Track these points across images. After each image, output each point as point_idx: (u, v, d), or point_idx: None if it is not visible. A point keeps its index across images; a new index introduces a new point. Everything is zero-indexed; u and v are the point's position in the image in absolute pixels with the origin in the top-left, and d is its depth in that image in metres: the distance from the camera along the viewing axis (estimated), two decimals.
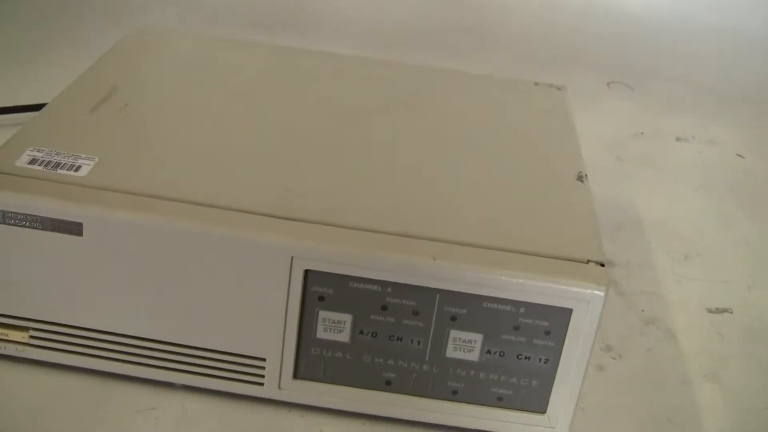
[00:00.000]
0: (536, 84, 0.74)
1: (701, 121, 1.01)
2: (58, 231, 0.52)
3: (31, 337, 0.55)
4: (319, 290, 0.52)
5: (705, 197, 0.86)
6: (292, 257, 0.50)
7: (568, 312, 0.51)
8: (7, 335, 0.55)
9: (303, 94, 0.66)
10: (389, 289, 0.51)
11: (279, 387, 0.54)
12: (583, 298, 0.50)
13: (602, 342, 0.64)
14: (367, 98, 0.67)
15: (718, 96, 1.08)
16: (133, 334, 0.54)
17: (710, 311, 0.70)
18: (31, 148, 0.55)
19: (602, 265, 0.51)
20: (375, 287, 0.51)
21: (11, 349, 0.55)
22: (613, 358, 0.63)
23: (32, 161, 0.54)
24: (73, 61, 0.75)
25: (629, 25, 1.22)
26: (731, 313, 0.70)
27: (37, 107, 0.71)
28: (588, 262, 0.51)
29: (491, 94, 0.71)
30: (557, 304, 0.51)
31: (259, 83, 0.67)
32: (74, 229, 0.52)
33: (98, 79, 0.65)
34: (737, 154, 0.94)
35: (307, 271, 0.51)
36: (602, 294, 0.50)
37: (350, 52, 0.75)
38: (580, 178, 0.60)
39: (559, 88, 0.74)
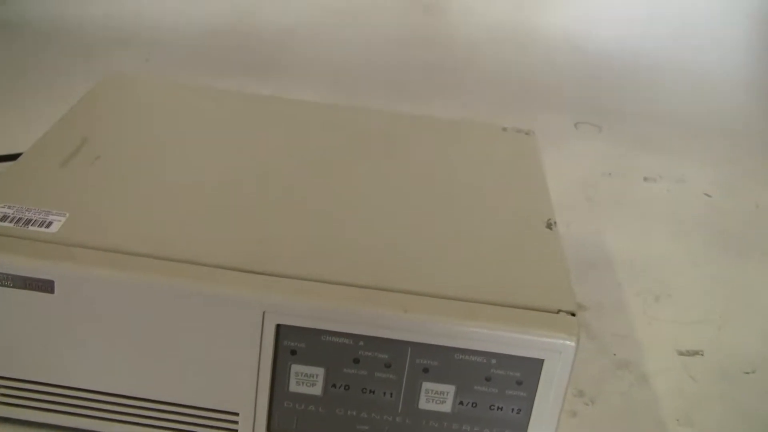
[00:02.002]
0: (504, 129, 0.75)
1: (669, 160, 1.03)
2: (29, 288, 0.52)
3: (2, 395, 0.54)
4: (291, 344, 0.52)
5: (674, 236, 0.87)
6: (263, 312, 0.51)
7: (539, 362, 0.51)
8: None
9: (274, 144, 0.67)
10: (361, 342, 0.51)
11: None
12: (555, 349, 0.51)
13: (574, 387, 0.64)
14: (338, 147, 0.67)
15: (686, 134, 1.10)
16: (107, 391, 0.54)
17: (681, 354, 0.70)
18: (2, 205, 0.55)
19: (573, 315, 0.52)
20: (347, 340, 0.51)
21: None
22: (586, 404, 0.63)
23: (3, 218, 0.54)
24: (47, 107, 0.75)
25: (597, 65, 1.23)
26: (702, 355, 0.70)
27: (12, 157, 0.71)
28: (559, 311, 0.52)
29: (460, 140, 0.72)
30: (529, 355, 0.51)
31: (229, 132, 0.68)
32: (45, 286, 0.51)
33: (69, 131, 0.65)
34: (705, 194, 0.96)
35: (278, 326, 0.51)
36: (573, 344, 0.50)
37: (320, 96, 0.76)
38: (549, 225, 0.60)
39: (527, 133, 0.74)
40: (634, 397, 0.65)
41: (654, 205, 0.93)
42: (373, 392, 0.53)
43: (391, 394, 0.53)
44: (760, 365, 0.70)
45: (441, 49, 1.22)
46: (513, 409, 0.53)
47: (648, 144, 1.06)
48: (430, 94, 1.13)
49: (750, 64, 1.23)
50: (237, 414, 0.54)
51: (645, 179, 0.98)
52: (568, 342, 0.50)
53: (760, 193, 0.99)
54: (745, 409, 0.66)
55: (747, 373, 0.69)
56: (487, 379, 0.52)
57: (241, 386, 0.53)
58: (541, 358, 0.51)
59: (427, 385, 0.53)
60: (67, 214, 0.55)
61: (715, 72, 1.22)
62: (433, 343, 0.51)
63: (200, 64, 1.13)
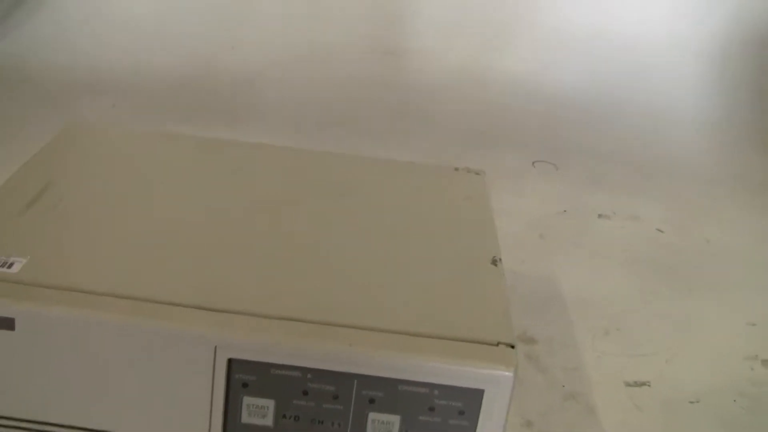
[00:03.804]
0: (456, 169, 0.78)
1: (623, 198, 1.06)
2: None
3: None
4: (243, 377, 0.54)
5: (626, 272, 0.90)
6: (215, 347, 0.53)
7: (480, 393, 0.54)
8: None
9: (227, 186, 0.69)
10: (309, 375, 0.54)
11: None
12: (494, 380, 0.53)
13: (523, 418, 0.66)
14: (291, 188, 0.70)
15: (639, 173, 1.14)
16: (66, 423, 0.56)
17: (629, 385, 0.73)
18: None
19: (512, 347, 0.54)
20: (296, 373, 0.54)
21: None
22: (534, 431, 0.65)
23: None
24: (9, 154, 0.77)
25: (554, 106, 1.27)
26: (649, 386, 0.73)
27: None
28: (498, 344, 0.54)
29: (412, 181, 0.75)
30: (469, 386, 0.53)
31: (184, 176, 0.71)
32: (7, 324, 0.54)
33: (32, 177, 0.67)
34: (657, 229, 0.99)
35: (230, 360, 0.53)
36: (511, 375, 0.53)
37: (285, 137, 0.78)
38: (494, 262, 0.63)
39: (477, 173, 0.77)
40: (582, 427, 0.67)
41: (607, 241, 0.96)
42: (322, 422, 0.55)
43: (339, 424, 0.55)
44: (704, 395, 0.73)
45: (402, 92, 1.25)
46: None
47: (602, 182, 1.10)
48: (391, 135, 1.16)
49: (699, 104, 1.27)
50: None
51: (599, 216, 1.01)
52: (506, 373, 0.53)
53: (710, 229, 1.02)
54: None
55: (692, 402, 0.71)
56: (431, 409, 0.54)
57: (195, 418, 0.55)
58: (482, 388, 0.54)
59: (373, 416, 0.55)
60: (29, 256, 0.57)
61: (667, 113, 1.27)
62: (378, 375, 0.53)
63: (166, 109, 1.15)
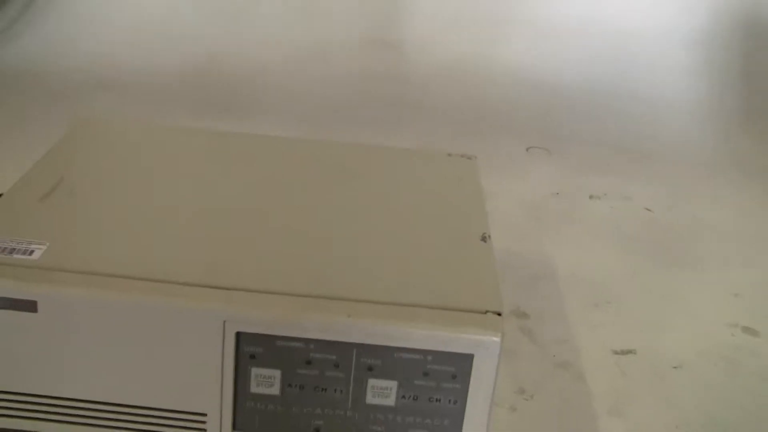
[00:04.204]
0: (449, 155, 0.82)
1: (613, 180, 1.10)
2: (15, 309, 0.58)
3: None
4: (251, 350, 0.58)
5: (615, 249, 0.94)
6: (224, 321, 0.57)
7: (470, 357, 0.58)
8: None
9: (232, 174, 0.74)
10: (312, 346, 0.58)
11: None
12: (482, 345, 0.58)
13: (516, 385, 0.71)
14: (293, 174, 0.75)
15: (629, 156, 1.18)
16: (87, 398, 0.60)
17: (616, 353, 0.77)
18: None
19: (499, 314, 0.59)
20: (299, 344, 0.58)
21: None
22: (526, 400, 0.70)
23: None
24: (24, 148, 0.82)
25: (548, 94, 1.31)
26: (635, 354, 0.77)
27: None
28: (486, 312, 0.59)
29: (408, 165, 0.79)
30: (460, 351, 0.58)
31: (192, 164, 0.75)
32: (29, 306, 0.58)
33: (48, 170, 0.72)
34: (646, 208, 1.03)
35: (238, 333, 0.58)
36: (498, 340, 0.57)
37: (289, 128, 0.82)
38: (484, 238, 0.67)
39: (469, 158, 0.82)
40: (571, 392, 0.72)
41: (598, 220, 1.00)
42: (325, 390, 0.59)
43: (341, 391, 0.59)
44: (687, 361, 0.77)
45: (400, 82, 1.30)
46: (450, 400, 0.59)
47: (594, 165, 1.14)
48: (391, 124, 1.20)
49: (685, 90, 1.31)
50: (205, 415, 0.60)
51: (591, 197, 1.05)
52: (494, 338, 0.57)
53: (697, 208, 1.06)
54: (671, 398, 0.72)
55: (675, 367, 0.76)
56: (425, 374, 0.59)
57: (207, 390, 0.60)
58: (471, 353, 0.58)
59: (372, 382, 0.59)
60: (48, 243, 0.62)
61: (655, 99, 1.31)
62: (375, 343, 0.58)
63: (172, 105, 1.20)
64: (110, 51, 1.29)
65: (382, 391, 0.60)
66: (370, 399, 0.60)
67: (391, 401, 0.60)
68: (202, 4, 1.32)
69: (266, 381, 0.60)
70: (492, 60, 1.32)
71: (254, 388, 0.60)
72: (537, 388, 0.71)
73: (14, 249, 0.61)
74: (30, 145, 0.88)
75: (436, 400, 0.60)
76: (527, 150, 1.14)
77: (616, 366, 0.75)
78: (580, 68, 1.32)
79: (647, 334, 0.80)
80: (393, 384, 0.59)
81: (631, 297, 0.85)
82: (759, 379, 0.74)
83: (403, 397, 0.60)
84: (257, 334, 0.58)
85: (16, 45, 1.28)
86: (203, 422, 0.61)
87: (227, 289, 0.59)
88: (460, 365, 0.59)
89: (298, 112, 1.21)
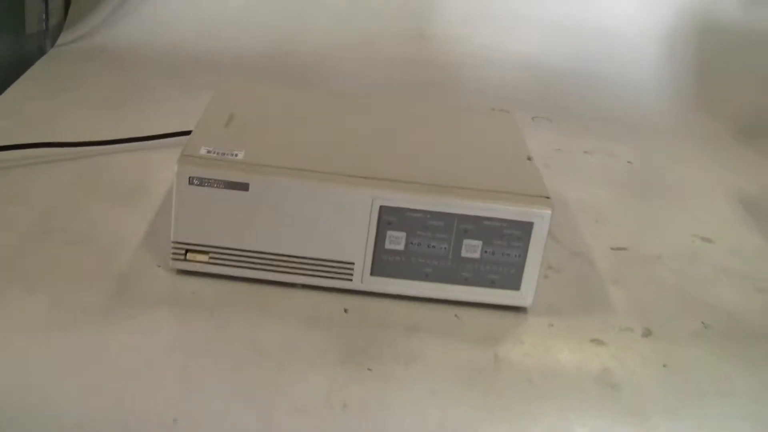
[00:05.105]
0: (492, 109, 1.14)
1: (602, 141, 1.38)
2: (233, 189, 0.81)
3: (210, 257, 0.87)
4: (388, 218, 0.83)
5: (606, 187, 1.21)
6: (372, 198, 0.81)
7: (530, 224, 0.84)
8: (195, 258, 0.84)
9: (346, 115, 1.00)
10: (428, 216, 0.82)
11: (362, 281, 0.84)
12: (539, 216, 0.84)
13: (546, 265, 0.99)
14: (387, 117, 1.02)
15: (614, 124, 1.47)
16: (275, 252, 0.82)
17: (613, 249, 1.08)
18: (203, 148, 0.85)
19: (548, 198, 0.90)
20: (420, 215, 0.81)
21: (198, 267, 0.83)
22: (555, 272, 1.00)
23: (208, 152, 0.86)
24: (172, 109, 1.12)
25: (549, 77, 1.61)
26: (627, 250, 1.08)
27: (185, 133, 1.08)
28: (540, 196, 0.89)
29: (462, 114, 1.07)
30: (525, 220, 0.83)
31: (322, 107, 1.01)
32: (243, 187, 0.81)
33: (218, 112, 0.91)
34: (627, 161, 1.35)
35: (381, 207, 0.83)
36: (549, 212, 0.84)
37: None
38: (529, 158, 0.99)
39: (508, 111, 1.13)
40: (584, 270, 1.00)
41: (592, 169, 1.28)
42: (434, 247, 0.85)
43: (444, 248, 0.87)
44: (663, 254, 1.07)
45: (433, 68, 1.59)
46: (516, 255, 0.87)
47: (585, 131, 1.43)
48: (425, 99, 1.49)
49: (654, 77, 1.62)
50: (353, 263, 0.83)
51: (585, 152, 1.36)
52: (546, 211, 0.85)
53: (664, 162, 1.37)
54: (652, 276, 1.00)
55: (655, 259, 1.07)
56: (501, 236, 0.86)
57: (357, 246, 0.82)
58: (532, 221, 0.86)
59: (466, 242, 0.84)
60: (244, 150, 0.84)
61: (631, 82, 1.60)
62: (470, 214, 0.86)
63: (256, 78, 1.49)
64: (199, 35, 1.54)
65: (472, 248, 0.83)
66: (464, 253, 0.82)
67: (477, 255, 0.83)
68: (273, 2, 1.62)
69: (396, 240, 0.82)
70: (507, 50, 1.59)
71: (388, 245, 0.82)
72: (561, 267, 0.99)
73: (224, 153, 0.84)
74: (161, 107, 1.17)
75: (507, 254, 0.84)
76: (533, 119, 1.41)
77: (614, 257, 1.04)
78: (574, 57, 1.59)
79: (634, 239, 1.07)
80: (479, 243, 0.82)
81: (620, 217, 1.12)
82: (711, 266, 1.04)
83: (485, 252, 0.83)
84: (393, 207, 0.80)
85: (123, 26, 1.55)
86: (351, 269, 0.84)
87: (374, 178, 0.80)
88: (524, 230, 0.82)
89: (353, 87, 1.48)
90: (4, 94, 1.24)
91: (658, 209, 1.19)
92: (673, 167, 1.35)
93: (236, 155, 0.84)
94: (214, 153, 0.83)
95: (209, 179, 0.80)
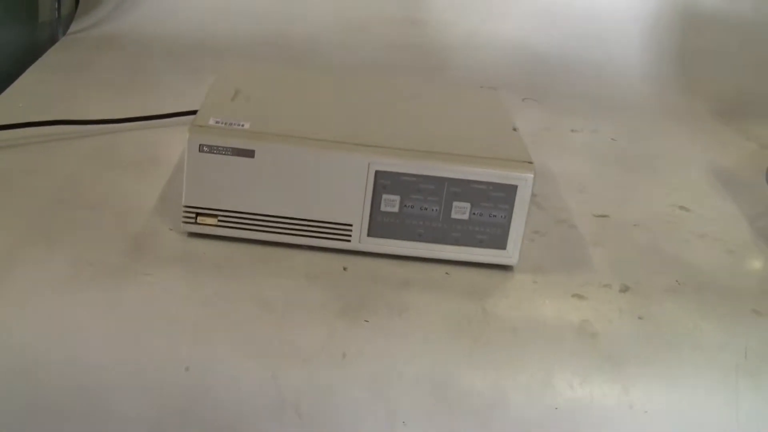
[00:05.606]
0: (481, 87, 1.21)
1: (587, 120, 1.45)
2: (240, 156, 0.86)
3: (219, 220, 0.90)
4: (383, 182, 0.86)
5: (591, 161, 1.28)
6: (368, 163, 0.86)
7: (515, 187, 0.88)
8: (205, 221, 0.88)
9: (345, 90, 1.07)
10: (420, 180, 0.86)
11: (359, 241, 0.89)
12: (522, 179, 0.89)
13: (531, 229, 1.05)
14: (382, 91, 1.09)
15: (597, 105, 1.54)
16: (279, 215, 0.87)
17: (596, 216, 1.15)
18: (212, 118, 0.88)
19: (531, 163, 0.97)
20: (413, 179, 0.85)
21: (207, 229, 0.87)
22: (540, 236, 1.07)
23: (216, 122, 0.89)
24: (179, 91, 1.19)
25: (537, 60, 1.67)
26: (608, 217, 1.15)
27: (191, 112, 1.15)
28: (524, 161, 0.97)
29: (452, 92, 1.13)
30: (510, 183, 0.87)
31: (319, 84, 1.09)
32: (249, 154, 0.86)
33: (223, 89, 0.95)
34: (611, 138, 1.43)
35: (377, 171, 0.87)
36: (532, 176, 0.90)
37: None
38: (514, 128, 1.06)
39: (495, 89, 1.21)
40: (568, 234, 1.07)
41: (578, 145, 1.35)
42: (426, 209, 0.89)
43: (435, 209, 0.92)
44: (642, 221, 1.14)
45: (423, 53, 1.66)
46: (501, 216, 0.91)
47: (572, 111, 1.49)
48: (418, 80, 1.58)
49: (637, 61, 1.69)
50: (351, 225, 0.88)
51: (571, 131, 1.43)
52: (529, 174, 0.91)
53: (645, 138, 1.44)
54: (631, 240, 1.07)
55: (635, 225, 1.14)
56: (487, 199, 0.92)
57: (354, 208, 0.86)
58: (516, 184, 0.91)
59: (455, 204, 0.88)
60: (250, 121, 0.88)
61: (615, 65, 1.67)
62: (459, 178, 0.92)
63: (260, 63, 1.56)
64: (203, 23, 1.61)
65: (461, 210, 0.87)
66: (454, 215, 0.87)
67: (466, 216, 0.87)
68: None
69: (391, 203, 0.87)
70: (495, 34, 1.65)
71: (383, 208, 0.86)
72: (546, 231, 1.04)
73: (231, 123, 0.87)
74: (168, 89, 1.25)
75: (493, 216, 0.88)
76: (523, 100, 1.48)
77: (596, 223, 1.10)
78: (561, 41, 1.65)
79: (615, 207, 1.12)
80: (467, 205, 0.87)
81: (603, 188, 1.17)
82: (688, 232, 1.11)
83: (473, 213, 0.87)
84: (388, 171, 0.85)
85: (132, 15, 1.62)
86: (349, 230, 0.88)
87: (371, 145, 0.86)
88: (509, 193, 0.86)
89: (348, 69, 1.55)
90: (18, 79, 1.31)
91: (639, 181, 1.26)
92: (654, 144, 1.42)
93: (243, 125, 0.88)
94: (222, 123, 0.88)
95: (218, 147, 0.85)
